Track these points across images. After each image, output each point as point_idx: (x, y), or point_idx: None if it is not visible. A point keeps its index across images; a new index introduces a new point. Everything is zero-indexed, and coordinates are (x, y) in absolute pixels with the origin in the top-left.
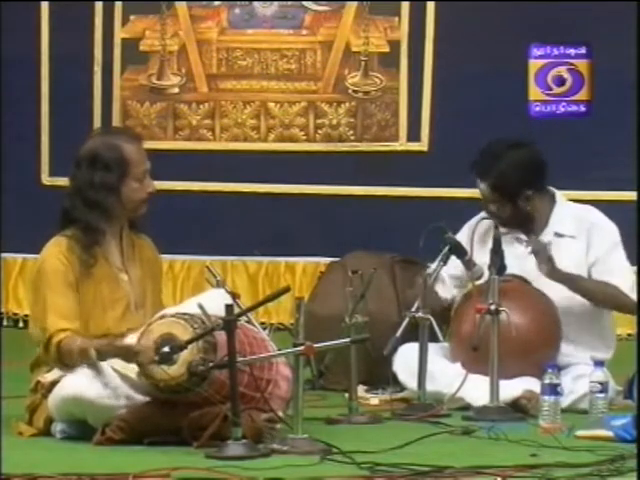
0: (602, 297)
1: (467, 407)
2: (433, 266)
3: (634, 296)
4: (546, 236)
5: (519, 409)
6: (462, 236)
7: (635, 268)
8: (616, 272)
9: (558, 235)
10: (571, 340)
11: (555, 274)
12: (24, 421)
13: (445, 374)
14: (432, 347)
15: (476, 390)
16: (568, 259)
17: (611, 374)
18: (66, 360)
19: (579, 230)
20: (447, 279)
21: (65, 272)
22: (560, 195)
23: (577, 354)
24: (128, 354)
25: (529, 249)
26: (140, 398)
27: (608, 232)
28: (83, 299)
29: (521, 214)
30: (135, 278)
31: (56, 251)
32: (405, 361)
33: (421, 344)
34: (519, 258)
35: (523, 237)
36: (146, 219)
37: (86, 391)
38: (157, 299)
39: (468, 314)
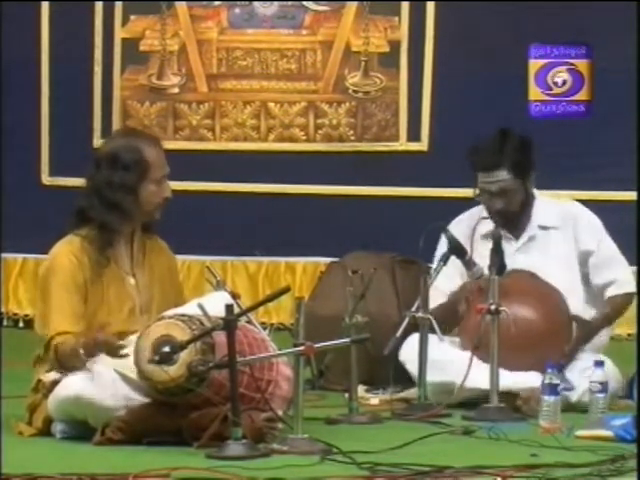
0: (614, 319)
1: (471, 403)
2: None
3: (631, 286)
4: (531, 230)
5: (516, 409)
6: (457, 233)
7: (635, 268)
8: (613, 263)
9: (542, 228)
10: None
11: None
12: (24, 421)
13: (454, 364)
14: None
15: (485, 375)
16: (555, 250)
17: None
18: (63, 363)
19: (563, 221)
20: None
21: (74, 272)
22: (536, 190)
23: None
24: (111, 346)
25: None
26: (140, 399)
27: (593, 225)
28: (90, 300)
29: (526, 201)
30: (142, 283)
31: (67, 250)
32: (412, 351)
33: (421, 344)
34: (507, 257)
35: (508, 235)
36: (158, 221)
37: (85, 392)
38: (171, 301)
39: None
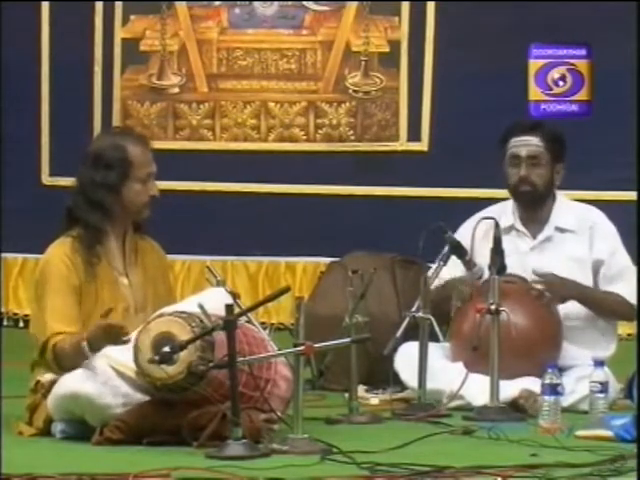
0: (609, 309)
1: (467, 407)
2: (434, 267)
3: (633, 301)
4: (548, 230)
5: (518, 409)
6: (460, 235)
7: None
8: (623, 276)
9: (559, 230)
10: (573, 341)
11: (569, 291)
12: (24, 421)
13: (446, 373)
14: (433, 347)
15: (476, 389)
16: (569, 253)
17: (611, 374)
18: (62, 362)
19: (580, 226)
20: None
21: (68, 275)
22: (559, 192)
23: (579, 355)
24: (115, 327)
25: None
26: (139, 396)
27: (609, 234)
28: (85, 301)
29: (549, 190)
30: (136, 282)
31: (60, 253)
32: (407, 360)
33: (421, 344)
34: (521, 255)
35: (526, 232)
36: (148, 219)
37: (84, 388)
38: (163, 300)
39: (468, 314)
